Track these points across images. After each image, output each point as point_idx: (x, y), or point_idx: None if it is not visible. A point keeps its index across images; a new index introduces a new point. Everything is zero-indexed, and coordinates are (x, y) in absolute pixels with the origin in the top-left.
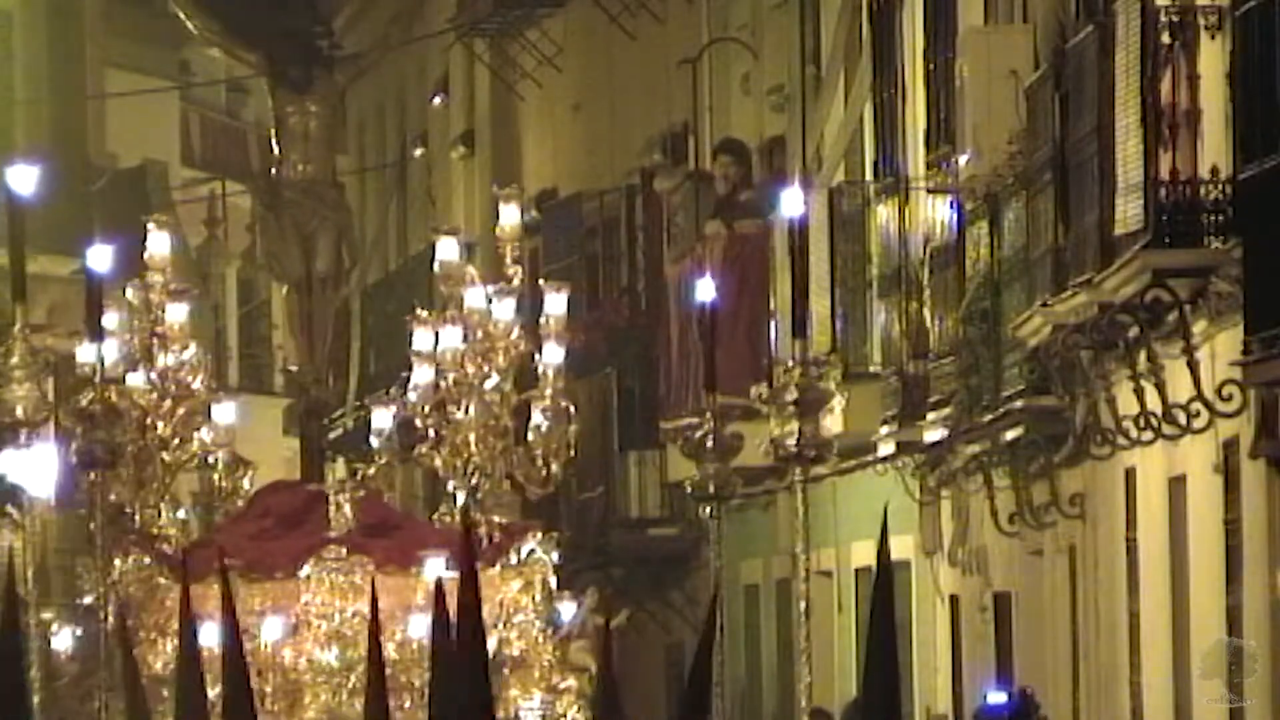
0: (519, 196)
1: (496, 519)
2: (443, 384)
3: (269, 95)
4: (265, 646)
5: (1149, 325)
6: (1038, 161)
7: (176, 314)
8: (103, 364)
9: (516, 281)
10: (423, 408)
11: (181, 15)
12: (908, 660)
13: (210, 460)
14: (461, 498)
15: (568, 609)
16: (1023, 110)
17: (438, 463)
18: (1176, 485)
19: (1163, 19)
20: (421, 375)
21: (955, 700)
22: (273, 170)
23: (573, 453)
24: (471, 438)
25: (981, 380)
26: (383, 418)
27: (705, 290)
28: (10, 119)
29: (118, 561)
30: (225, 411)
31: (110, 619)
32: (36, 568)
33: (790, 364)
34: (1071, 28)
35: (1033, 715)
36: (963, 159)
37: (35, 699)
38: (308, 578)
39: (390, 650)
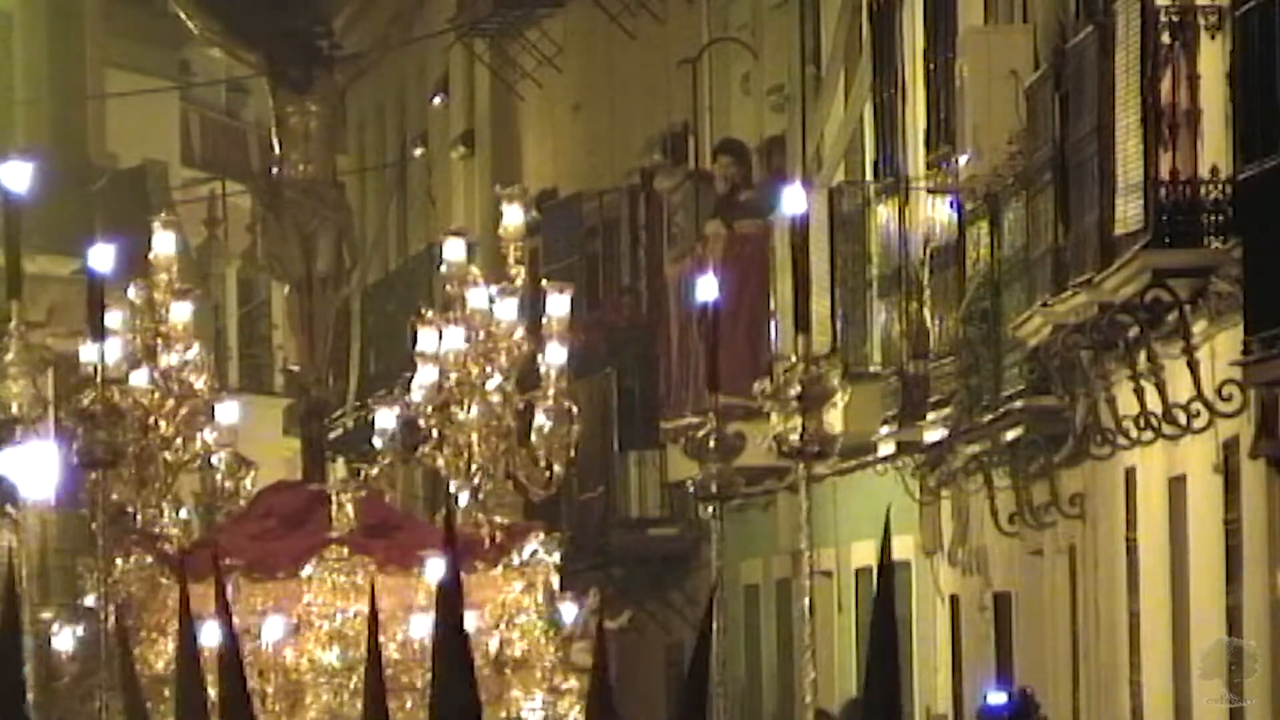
0: (522, 197)
1: (499, 519)
2: (446, 384)
3: (269, 95)
4: (267, 647)
5: (1149, 325)
6: (1038, 161)
7: (181, 313)
8: (104, 364)
9: (519, 282)
10: (426, 408)
11: (182, 15)
12: (908, 660)
13: (213, 461)
14: (465, 498)
15: (570, 610)
16: (1023, 110)
17: (440, 463)
18: (1176, 485)
19: (1163, 19)
20: (425, 375)
21: (955, 700)
22: (273, 170)
23: (573, 453)
24: (474, 438)
25: (981, 380)
26: (386, 418)
27: (707, 289)
28: (10, 119)
29: (120, 561)
30: (228, 411)
31: (111, 619)
32: (37, 568)
33: (793, 360)
34: (1071, 28)
35: (1033, 715)
36: (963, 159)
37: (29, 697)
38: (309, 578)
39: (392, 651)
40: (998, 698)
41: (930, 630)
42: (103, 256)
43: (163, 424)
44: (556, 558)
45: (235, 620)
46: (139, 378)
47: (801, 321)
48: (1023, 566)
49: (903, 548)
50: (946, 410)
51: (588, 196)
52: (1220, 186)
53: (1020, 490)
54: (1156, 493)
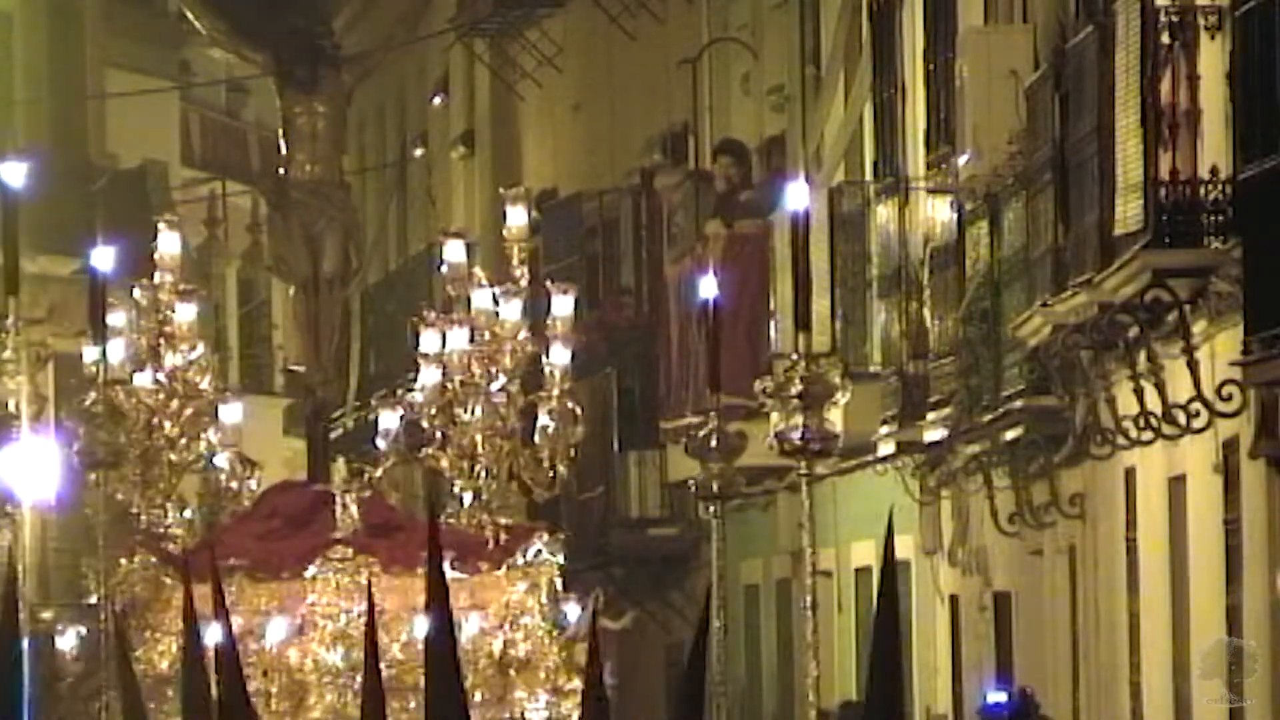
0: (526, 198)
1: (502, 520)
2: (449, 385)
3: (276, 95)
4: (271, 647)
5: (1149, 325)
6: (1038, 161)
7: (185, 314)
8: (106, 364)
9: (523, 283)
10: (429, 409)
11: (189, 15)
12: (908, 660)
13: (216, 461)
14: (468, 499)
15: (573, 610)
16: (1023, 110)
17: (444, 464)
18: (1176, 485)
19: (1163, 19)
20: (428, 376)
21: (955, 700)
22: (280, 171)
23: (573, 453)
24: (478, 439)
25: (981, 380)
26: (389, 419)
27: (708, 288)
28: (10, 119)
29: (124, 561)
30: (232, 412)
31: (112, 619)
32: (37, 568)
33: (794, 358)
34: (1071, 28)
35: (1033, 715)
36: (963, 159)
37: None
38: (313, 578)
39: (395, 651)
40: (998, 697)
41: (930, 630)
42: (103, 257)
43: (167, 424)
44: (560, 558)
45: (239, 620)
46: (143, 378)
47: (802, 321)
48: (1023, 566)
49: (903, 548)
50: (946, 410)
51: (588, 196)
52: (1220, 186)
53: (1020, 490)
54: (1156, 493)
